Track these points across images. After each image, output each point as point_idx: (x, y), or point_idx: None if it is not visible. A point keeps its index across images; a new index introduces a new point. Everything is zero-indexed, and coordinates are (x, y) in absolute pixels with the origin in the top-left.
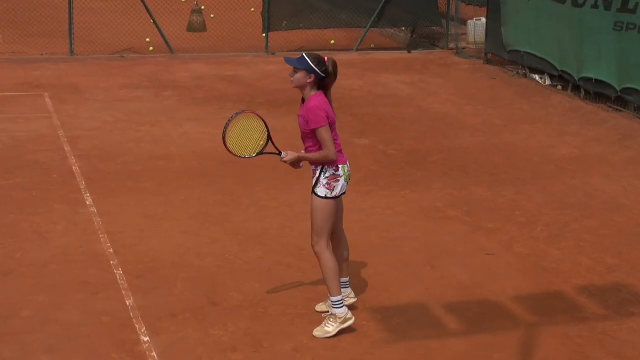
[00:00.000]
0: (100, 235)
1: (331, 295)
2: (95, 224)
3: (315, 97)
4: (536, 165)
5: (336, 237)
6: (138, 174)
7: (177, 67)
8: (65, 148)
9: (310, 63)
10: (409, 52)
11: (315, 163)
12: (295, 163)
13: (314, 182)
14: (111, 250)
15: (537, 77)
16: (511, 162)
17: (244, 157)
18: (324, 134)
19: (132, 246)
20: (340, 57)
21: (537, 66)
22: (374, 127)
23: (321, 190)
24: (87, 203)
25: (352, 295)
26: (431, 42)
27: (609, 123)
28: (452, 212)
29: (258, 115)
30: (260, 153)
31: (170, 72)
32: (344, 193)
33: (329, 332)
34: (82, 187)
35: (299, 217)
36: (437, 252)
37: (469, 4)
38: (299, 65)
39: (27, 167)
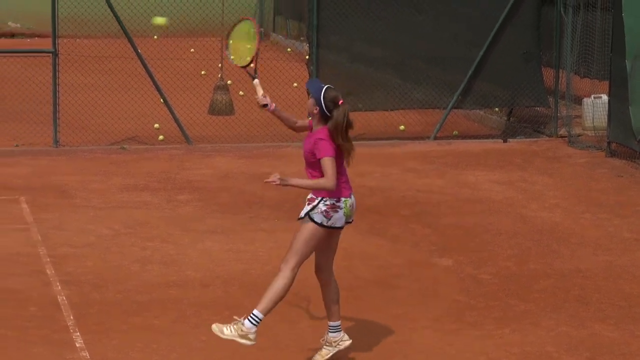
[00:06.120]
0: None
1: (256, 309)
2: None
3: (322, 131)
4: None
5: (324, 276)
6: (144, 307)
7: (196, 162)
8: (48, 271)
9: (321, 94)
10: (505, 141)
11: (311, 190)
12: (282, 182)
13: (309, 208)
14: None
15: None
16: None
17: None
18: (328, 163)
19: None
20: (412, 147)
21: None
22: (459, 243)
23: (318, 217)
24: (77, 345)
25: (346, 337)
26: (535, 127)
27: None
28: (568, 359)
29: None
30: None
31: (186, 169)
32: (340, 227)
33: (225, 334)
34: (69, 323)
35: None
36: None
37: (584, 77)
38: (312, 91)
39: None
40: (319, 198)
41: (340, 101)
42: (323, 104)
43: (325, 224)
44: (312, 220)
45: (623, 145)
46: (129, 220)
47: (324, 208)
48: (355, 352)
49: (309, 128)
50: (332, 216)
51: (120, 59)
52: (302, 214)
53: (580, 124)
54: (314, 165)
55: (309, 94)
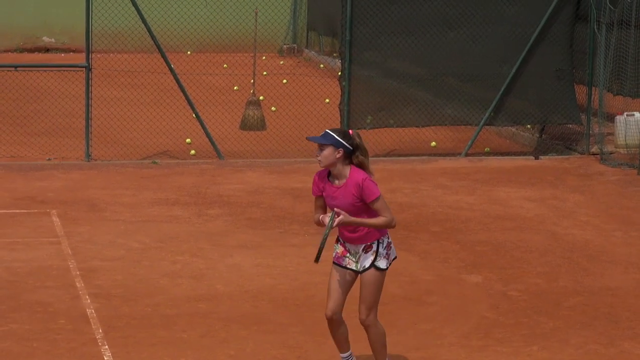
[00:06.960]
0: None
1: None
2: None
3: (358, 171)
4: None
5: (340, 316)
6: (173, 320)
7: (227, 176)
8: (77, 284)
9: (337, 137)
10: (537, 158)
11: (373, 230)
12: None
13: (371, 257)
14: None
15: None
16: None
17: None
18: (382, 202)
19: None
20: (443, 164)
21: None
22: (489, 260)
23: (383, 262)
24: (105, 359)
25: None
26: (566, 144)
27: None
28: None
29: None
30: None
31: (217, 184)
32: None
33: None
34: (98, 337)
35: None
36: None
37: (617, 94)
38: (325, 141)
39: (26, 309)
40: (375, 242)
41: (350, 131)
42: (345, 143)
43: (387, 266)
44: (379, 269)
45: None
46: (159, 234)
47: (384, 251)
48: None
49: (328, 185)
50: (390, 255)
51: (153, 74)
52: (366, 265)
53: (612, 142)
54: (358, 212)
55: (321, 147)
